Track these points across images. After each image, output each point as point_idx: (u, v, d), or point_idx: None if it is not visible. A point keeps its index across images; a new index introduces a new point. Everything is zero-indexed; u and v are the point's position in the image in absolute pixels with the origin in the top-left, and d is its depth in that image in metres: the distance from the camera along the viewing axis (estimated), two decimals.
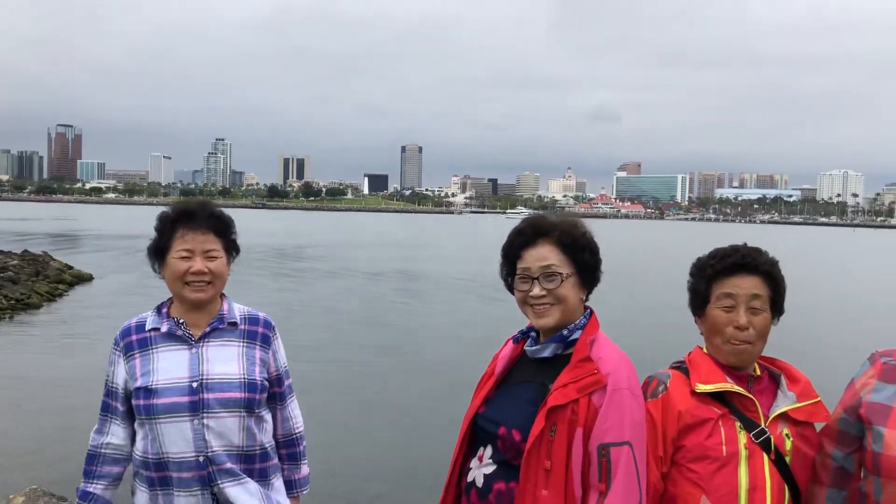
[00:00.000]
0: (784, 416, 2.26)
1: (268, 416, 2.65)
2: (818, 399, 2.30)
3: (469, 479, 2.30)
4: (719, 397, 2.25)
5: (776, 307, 2.33)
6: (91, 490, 2.58)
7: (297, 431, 2.78)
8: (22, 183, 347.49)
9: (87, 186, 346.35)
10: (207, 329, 2.56)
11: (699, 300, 2.37)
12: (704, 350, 2.39)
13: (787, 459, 2.23)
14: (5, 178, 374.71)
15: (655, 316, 20.94)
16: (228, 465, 2.49)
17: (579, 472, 2.11)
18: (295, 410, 2.78)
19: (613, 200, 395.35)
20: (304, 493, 2.83)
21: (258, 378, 2.57)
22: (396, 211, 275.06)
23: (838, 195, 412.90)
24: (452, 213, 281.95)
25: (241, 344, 2.59)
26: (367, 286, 27.44)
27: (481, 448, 2.30)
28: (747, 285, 2.29)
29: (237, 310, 2.65)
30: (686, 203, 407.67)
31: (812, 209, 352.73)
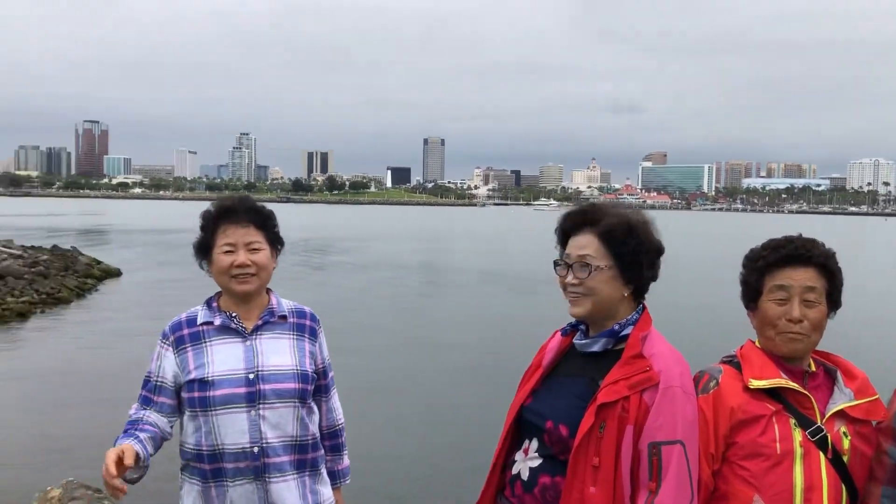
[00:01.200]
0: (841, 414, 2.20)
1: (315, 407, 2.73)
2: (877, 396, 2.24)
3: (514, 471, 2.28)
4: (773, 393, 2.20)
5: (832, 300, 2.27)
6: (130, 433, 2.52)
7: (339, 423, 2.87)
8: (50, 179, 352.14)
9: (114, 182, 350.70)
10: (259, 322, 2.63)
11: (751, 292, 2.32)
12: (757, 344, 2.33)
13: (845, 459, 2.17)
14: (34, 174, 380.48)
15: (698, 309, 20.80)
16: (282, 456, 2.55)
17: (629, 470, 2.09)
18: (337, 402, 2.87)
19: (639, 191, 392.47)
20: (346, 483, 2.90)
21: (309, 369, 2.65)
22: (419, 204, 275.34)
23: (869, 184, 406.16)
24: (475, 205, 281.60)
25: (292, 336, 2.67)
26: (402, 279, 27.53)
27: (526, 441, 2.29)
28: (801, 277, 2.23)
29: (284, 304, 2.73)
30: (713, 193, 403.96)
31: (841, 198, 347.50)
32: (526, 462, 2.26)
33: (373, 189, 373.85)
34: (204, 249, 2.63)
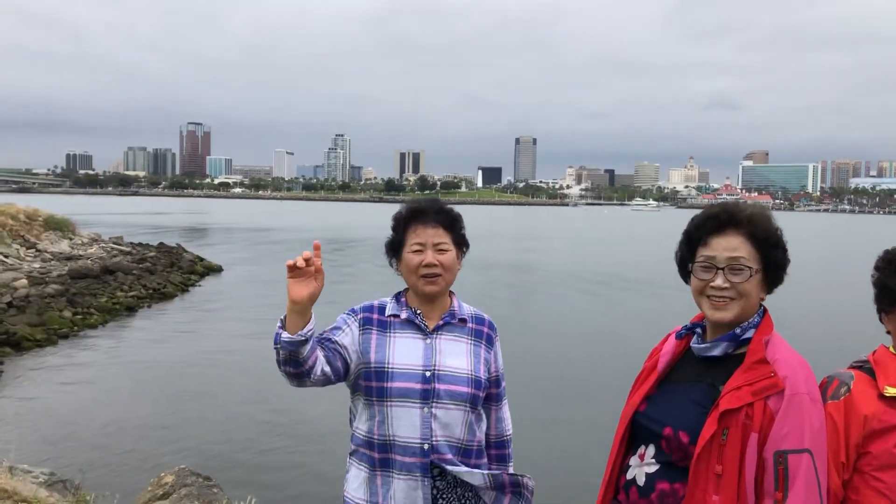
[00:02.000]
0: None
1: (484, 415, 2.75)
2: None
3: (629, 476, 2.24)
4: None
5: None
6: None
7: (507, 434, 2.87)
8: (157, 179, 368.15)
9: (216, 181, 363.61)
10: (440, 322, 2.69)
11: (890, 296, 2.21)
12: (892, 349, 2.23)
13: None
14: (142, 174, 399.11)
15: (819, 313, 20.00)
16: (449, 455, 2.57)
17: (752, 479, 2.03)
18: (507, 413, 2.87)
19: (739, 191, 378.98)
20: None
21: (482, 376, 2.68)
22: (510, 203, 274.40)
23: None
24: (567, 204, 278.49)
25: (470, 341, 2.71)
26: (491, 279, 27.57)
27: (642, 447, 2.24)
28: None
29: (465, 308, 2.78)
30: (818, 193, 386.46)
31: None
32: (642, 468, 2.21)
33: (464, 189, 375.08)
34: (395, 248, 2.71)
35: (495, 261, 33.64)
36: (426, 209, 2.71)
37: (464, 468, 2.57)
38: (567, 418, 11.23)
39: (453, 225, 2.72)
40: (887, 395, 2.11)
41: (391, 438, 2.56)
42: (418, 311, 2.69)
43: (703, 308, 2.20)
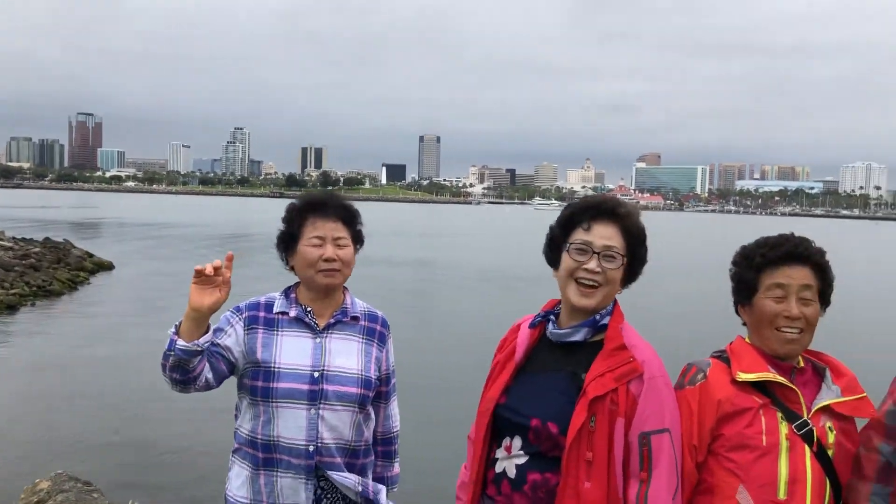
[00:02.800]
0: (827, 410, 2.22)
1: (372, 414, 2.72)
2: (864, 395, 2.26)
3: (498, 469, 2.25)
4: (760, 387, 2.21)
5: (824, 298, 2.30)
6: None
7: (395, 430, 2.87)
8: (43, 171, 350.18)
9: (108, 175, 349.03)
10: (332, 320, 2.62)
11: (746, 290, 2.32)
12: (747, 340, 2.35)
13: (830, 453, 2.19)
14: (27, 165, 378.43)
15: (679, 307, 20.82)
16: (336, 458, 2.54)
17: (621, 462, 2.10)
18: (396, 409, 2.86)
19: (632, 192, 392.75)
20: (394, 490, 2.89)
21: (373, 376, 2.64)
22: (414, 201, 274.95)
23: (861, 187, 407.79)
24: (470, 203, 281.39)
25: (361, 340, 2.66)
26: (393, 275, 27.52)
27: (507, 439, 2.25)
28: (799, 276, 2.25)
29: (358, 305, 2.71)
30: (706, 195, 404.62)
31: (834, 202, 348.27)
32: (511, 460, 2.22)
33: (367, 186, 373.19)
34: (289, 241, 2.62)
35: (402, 258, 33.66)
36: (326, 202, 2.64)
37: (338, 476, 2.53)
38: (445, 416, 11.30)
39: (352, 220, 2.67)
40: (739, 380, 2.20)
41: (276, 439, 2.50)
42: (309, 309, 2.60)
43: (569, 292, 2.24)
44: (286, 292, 2.66)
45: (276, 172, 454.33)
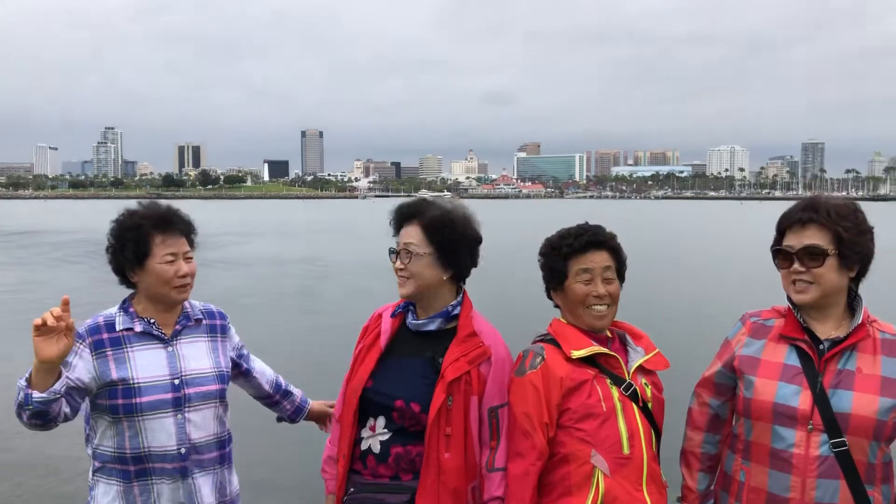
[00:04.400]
0: (640, 368, 2.56)
1: (228, 404, 2.83)
2: (657, 350, 2.64)
3: (363, 447, 2.52)
4: (588, 360, 2.50)
5: (620, 275, 2.63)
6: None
7: (272, 376, 3.11)
8: None
9: None
10: (178, 328, 2.70)
11: (557, 276, 2.60)
12: (563, 320, 2.64)
13: (650, 406, 2.54)
14: None
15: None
16: (204, 454, 2.67)
17: (477, 434, 2.45)
18: (260, 362, 3.09)
19: (515, 181, 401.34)
20: (310, 402, 3.24)
21: (225, 369, 2.79)
22: (299, 197, 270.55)
23: (726, 170, 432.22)
24: (357, 197, 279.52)
25: (208, 339, 2.78)
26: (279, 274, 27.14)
27: (371, 419, 2.52)
28: (600, 259, 2.56)
29: (196, 306, 2.80)
30: (584, 181, 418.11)
31: (702, 184, 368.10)
32: (375, 437, 2.51)
33: (249, 183, 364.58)
34: (139, 259, 2.61)
35: (288, 257, 33.22)
36: (174, 219, 2.68)
37: (211, 472, 2.69)
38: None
39: (192, 232, 2.75)
40: (573, 357, 2.48)
41: (147, 450, 2.56)
42: (152, 321, 2.65)
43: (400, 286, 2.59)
44: (124, 308, 2.66)
45: (151, 173, 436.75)
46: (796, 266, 2.38)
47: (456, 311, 2.56)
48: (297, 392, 3.21)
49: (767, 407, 2.36)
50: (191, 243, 2.73)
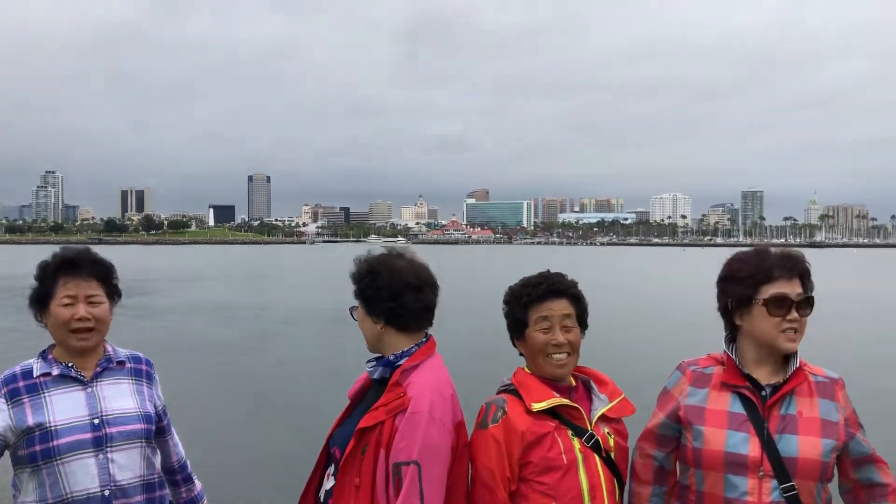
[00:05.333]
0: (603, 417, 2.53)
1: (157, 448, 2.76)
2: (623, 396, 2.61)
3: (321, 496, 2.56)
4: (550, 411, 2.48)
5: (582, 322, 2.62)
6: None
7: (184, 455, 2.97)
8: None
9: None
10: (98, 369, 2.61)
11: (519, 325, 2.60)
12: (526, 370, 2.62)
13: (612, 455, 2.51)
14: None
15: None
16: (132, 497, 2.55)
17: (384, 489, 2.33)
18: (177, 438, 2.94)
19: (464, 226, 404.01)
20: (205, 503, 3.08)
21: (151, 411, 2.68)
22: (245, 242, 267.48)
23: (669, 217, 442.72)
24: (304, 242, 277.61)
25: (131, 381, 2.68)
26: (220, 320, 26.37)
27: (332, 466, 2.54)
28: (559, 307, 2.56)
29: (121, 351, 2.73)
30: (532, 228, 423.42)
31: (646, 230, 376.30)
32: (325, 485, 2.53)
33: (194, 228, 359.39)
34: (41, 301, 2.57)
35: (233, 302, 32.43)
36: (78, 260, 2.60)
37: None
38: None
39: (107, 276, 2.65)
40: (534, 410, 2.46)
41: (68, 496, 2.45)
42: (70, 364, 2.57)
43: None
44: (43, 355, 2.61)
45: (93, 217, 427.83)
46: (794, 315, 2.39)
47: (400, 362, 2.48)
48: (197, 483, 3.03)
49: (719, 456, 2.36)
50: (109, 287, 2.64)
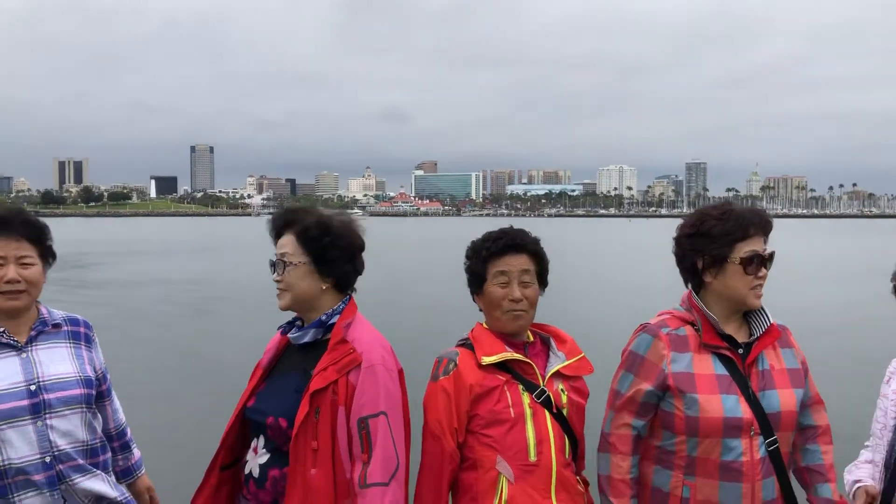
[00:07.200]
0: (558, 374, 2.55)
1: (98, 413, 2.70)
2: (582, 354, 2.63)
3: (246, 471, 2.44)
4: (502, 366, 2.50)
5: (542, 280, 2.63)
6: None
7: (124, 422, 2.90)
8: None
9: None
10: (33, 333, 2.54)
11: (477, 280, 2.60)
12: (484, 325, 2.62)
13: (565, 412, 2.52)
14: None
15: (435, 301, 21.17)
16: (77, 461, 2.50)
17: (346, 448, 2.30)
18: (118, 403, 2.88)
19: (412, 199, 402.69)
20: (143, 472, 2.98)
21: (91, 375, 2.61)
22: (188, 215, 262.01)
23: (615, 188, 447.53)
24: (250, 214, 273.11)
25: (69, 344, 2.61)
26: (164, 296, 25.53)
27: (254, 440, 2.44)
28: (518, 263, 2.56)
29: (56, 313, 2.65)
30: (480, 200, 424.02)
31: (593, 202, 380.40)
32: (256, 460, 2.41)
33: (135, 200, 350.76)
34: None
35: (173, 277, 31.46)
36: (9, 219, 2.50)
37: (85, 480, 2.50)
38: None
39: (40, 236, 2.55)
40: (484, 363, 2.48)
41: (7, 463, 2.40)
42: (2, 329, 2.47)
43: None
44: None
45: (29, 189, 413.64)
46: (764, 272, 2.42)
47: (333, 321, 2.44)
48: (136, 452, 2.94)
49: (717, 423, 2.34)
50: (42, 248, 2.55)
